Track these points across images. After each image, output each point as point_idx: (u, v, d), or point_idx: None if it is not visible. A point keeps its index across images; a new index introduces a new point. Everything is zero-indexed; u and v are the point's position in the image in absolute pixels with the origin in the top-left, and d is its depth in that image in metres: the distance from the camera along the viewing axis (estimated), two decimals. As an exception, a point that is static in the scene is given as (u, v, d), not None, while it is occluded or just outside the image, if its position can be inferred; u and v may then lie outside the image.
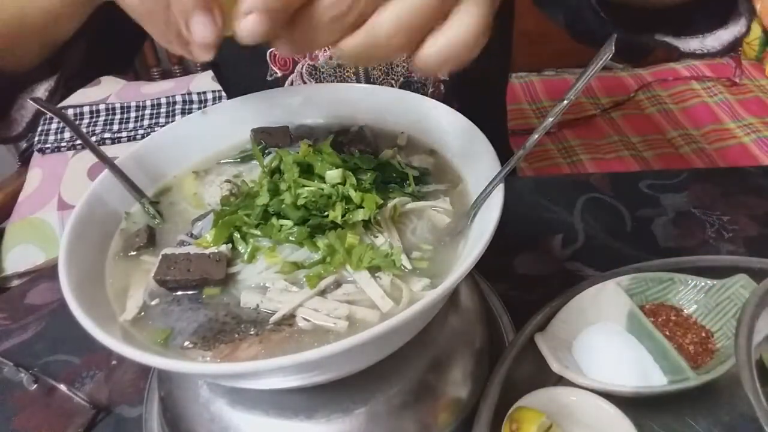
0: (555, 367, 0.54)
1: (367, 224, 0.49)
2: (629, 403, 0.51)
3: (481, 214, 0.48)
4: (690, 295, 0.62)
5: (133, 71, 1.82)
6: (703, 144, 1.48)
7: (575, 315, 0.60)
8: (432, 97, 0.80)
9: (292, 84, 0.78)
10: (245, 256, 0.48)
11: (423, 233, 0.50)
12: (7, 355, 0.68)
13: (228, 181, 0.56)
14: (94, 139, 1.47)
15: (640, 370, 0.55)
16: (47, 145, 1.48)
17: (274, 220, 0.49)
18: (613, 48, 0.39)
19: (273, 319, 0.44)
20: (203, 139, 0.61)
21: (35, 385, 0.64)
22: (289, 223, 0.48)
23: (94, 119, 1.54)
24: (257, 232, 0.49)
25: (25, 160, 1.53)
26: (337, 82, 0.77)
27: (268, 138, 0.60)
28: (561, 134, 1.56)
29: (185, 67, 1.84)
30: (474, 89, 0.85)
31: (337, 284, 0.46)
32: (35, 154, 1.50)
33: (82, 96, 1.63)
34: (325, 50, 0.76)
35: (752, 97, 1.59)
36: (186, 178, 0.59)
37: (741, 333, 0.42)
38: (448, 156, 0.58)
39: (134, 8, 0.39)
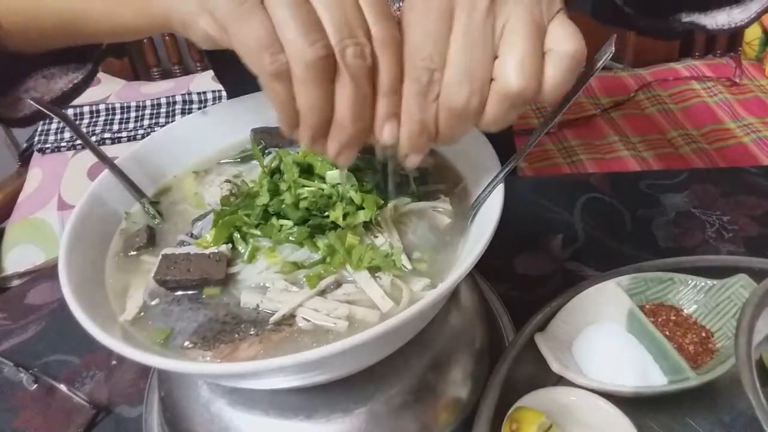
0: (555, 367, 0.54)
1: (367, 224, 0.49)
2: (629, 403, 0.51)
3: (481, 214, 0.48)
4: (690, 295, 0.62)
5: (132, 71, 1.82)
6: (703, 144, 1.48)
7: (575, 315, 0.60)
8: None
9: None
10: (245, 256, 0.48)
11: (423, 233, 0.50)
12: (7, 355, 0.68)
13: (228, 181, 0.56)
14: (94, 139, 1.47)
15: (640, 370, 0.55)
16: (47, 145, 1.48)
17: (274, 220, 0.49)
18: (613, 48, 0.39)
19: (273, 319, 0.44)
20: (203, 139, 0.61)
21: (35, 385, 0.64)
22: (289, 223, 0.48)
23: (94, 119, 1.54)
24: (257, 232, 0.49)
25: (25, 160, 1.54)
26: None
27: (268, 138, 0.60)
28: (561, 134, 1.56)
29: (185, 67, 1.84)
30: None
31: (337, 284, 0.46)
32: (35, 154, 1.50)
33: (82, 96, 1.62)
34: None
35: (752, 97, 1.59)
36: (186, 178, 0.59)
37: (741, 333, 0.42)
38: (448, 156, 0.58)
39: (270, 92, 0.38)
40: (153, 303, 0.47)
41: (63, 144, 1.48)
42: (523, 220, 0.78)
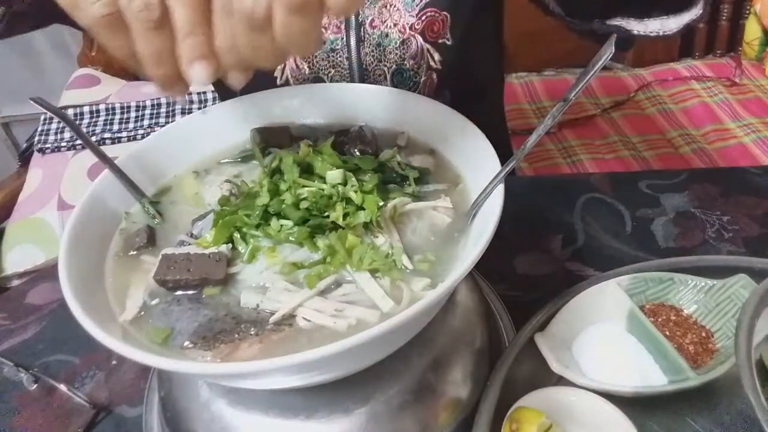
0: (555, 367, 0.54)
1: (367, 224, 0.49)
2: (629, 403, 0.51)
3: (481, 214, 0.48)
4: (690, 295, 0.62)
5: (133, 71, 1.81)
6: (703, 144, 1.48)
7: (575, 315, 0.60)
8: (424, 87, 0.80)
9: (285, 67, 0.78)
10: (245, 256, 0.48)
11: (423, 233, 0.50)
12: (7, 355, 0.68)
13: (228, 181, 0.56)
14: (94, 139, 1.47)
15: (640, 370, 0.55)
16: (47, 145, 1.48)
17: (274, 220, 0.49)
18: (614, 48, 0.39)
19: (273, 319, 0.44)
20: (203, 139, 0.61)
21: (35, 385, 0.64)
22: (289, 223, 0.48)
23: (94, 119, 1.54)
24: (257, 232, 0.49)
25: (25, 160, 1.53)
26: (330, 66, 0.77)
27: (268, 138, 0.60)
28: (561, 134, 1.56)
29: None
30: (466, 80, 0.86)
31: (337, 284, 0.46)
32: (35, 154, 1.50)
33: (82, 96, 1.63)
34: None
35: (752, 97, 1.59)
36: (186, 177, 0.59)
37: (741, 333, 0.42)
38: (448, 156, 0.58)
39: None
40: (153, 303, 0.47)
41: (63, 144, 1.48)
42: (523, 220, 0.78)
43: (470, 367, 0.55)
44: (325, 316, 0.43)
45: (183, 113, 1.55)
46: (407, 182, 0.54)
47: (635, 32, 0.56)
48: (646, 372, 0.55)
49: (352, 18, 0.76)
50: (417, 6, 0.76)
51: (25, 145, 1.59)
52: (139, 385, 0.63)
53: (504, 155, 0.47)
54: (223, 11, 0.36)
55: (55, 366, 0.67)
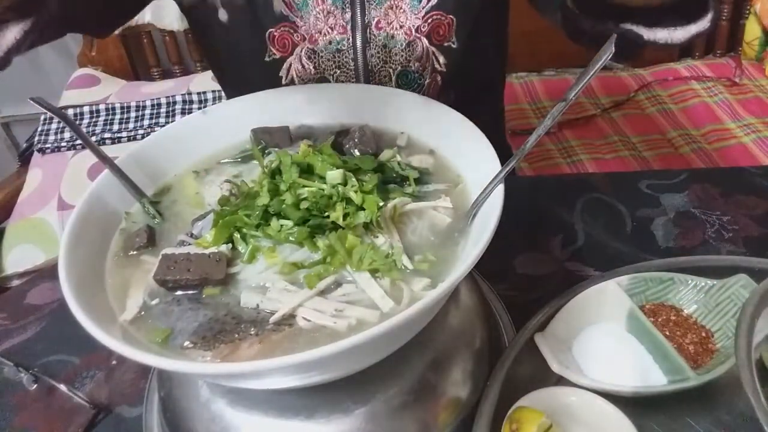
0: (555, 367, 0.54)
1: (367, 225, 0.49)
2: (629, 403, 0.51)
3: (481, 214, 0.48)
4: (690, 295, 0.61)
5: (132, 71, 1.81)
6: (703, 144, 1.48)
7: (575, 315, 0.60)
8: (428, 89, 0.81)
9: (290, 66, 0.78)
10: (245, 257, 0.48)
11: (423, 233, 0.50)
12: (7, 355, 0.68)
13: (228, 181, 0.56)
14: (94, 139, 1.47)
15: (640, 370, 0.55)
16: (47, 145, 1.48)
17: (274, 220, 0.49)
18: (614, 48, 0.39)
19: (273, 319, 0.44)
20: (203, 139, 0.61)
21: (35, 385, 0.64)
22: (289, 223, 0.48)
23: (94, 119, 1.54)
24: (257, 232, 0.49)
25: (25, 160, 1.53)
26: (336, 67, 0.77)
27: (268, 138, 0.60)
28: (561, 134, 1.56)
29: (185, 67, 1.84)
30: (470, 82, 0.86)
31: (337, 284, 0.46)
32: (35, 154, 1.49)
33: (82, 96, 1.63)
34: (325, 34, 0.76)
35: (752, 97, 1.58)
36: (186, 177, 0.59)
37: (741, 333, 0.42)
38: (448, 156, 0.58)
39: None
40: (153, 303, 0.47)
41: (63, 144, 1.48)
42: (523, 220, 0.78)
43: (470, 367, 0.55)
44: (325, 316, 0.43)
45: (183, 113, 1.55)
46: (407, 182, 0.54)
47: (645, 37, 0.56)
48: (646, 372, 0.55)
49: (358, 19, 0.76)
50: (423, 9, 0.76)
51: (25, 145, 1.59)
52: (139, 385, 0.63)
53: (504, 155, 0.47)
54: None
55: (55, 366, 0.67)
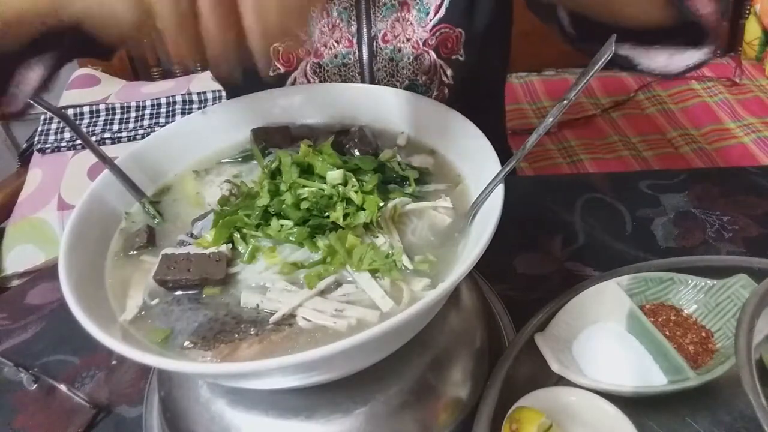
0: (555, 367, 0.54)
1: (367, 225, 0.49)
2: (629, 403, 0.51)
3: (481, 214, 0.48)
4: (690, 295, 0.61)
5: (132, 71, 1.81)
6: (703, 144, 1.48)
7: (575, 315, 0.60)
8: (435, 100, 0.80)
9: (295, 81, 0.78)
10: (245, 257, 0.48)
11: (423, 233, 0.50)
12: (7, 355, 0.68)
13: (228, 181, 0.56)
14: (94, 139, 1.47)
15: (640, 370, 0.55)
16: (47, 145, 1.48)
17: (274, 220, 0.49)
18: (613, 48, 0.39)
19: (273, 319, 0.44)
20: (203, 139, 0.61)
21: (35, 385, 0.64)
22: (289, 223, 0.48)
23: (94, 119, 1.54)
24: (257, 233, 0.49)
25: (25, 160, 1.53)
26: (342, 81, 0.77)
27: (268, 138, 0.60)
28: (561, 134, 1.56)
29: (185, 67, 1.84)
30: (476, 92, 0.86)
31: (337, 284, 0.46)
32: (35, 154, 1.49)
33: (82, 96, 1.63)
34: (330, 48, 0.76)
35: (752, 97, 1.58)
36: (186, 177, 0.59)
37: (741, 333, 0.42)
38: (448, 156, 0.58)
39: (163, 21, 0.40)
40: (153, 303, 0.47)
41: (63, 144, 1.48)
42: (523, 220, 0.78)
43: (470, 367, 0.55)
44: (325, 316, 0.43)
45: (183, 113, 1.55)
46: (407, 182, 0.54)
47: (639, 67, 0.56)
48: (646, 372, 0.55)
49: (364, 32, 0.75)
50: (430, 21, 0.75)
51: (25, 145, 1.59)
52: (139, 385, 0.63)
53: (503, 155, 0.47)
54: None
55: (55, 366, 0.67)
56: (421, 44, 0.76)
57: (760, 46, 1.71)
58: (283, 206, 0.49)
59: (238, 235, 0.49)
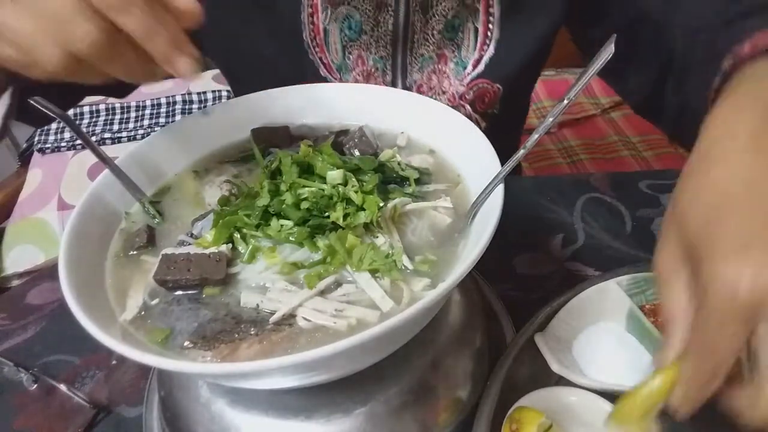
0: (555, 367, 0.54)
1: (367, 225, 0.49)
2: (629, 403, 0.51)
3: (481, 214, 0.48)
4: (690, 295, 0.61)
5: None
6: (703, 144, 1.48)
7: (575, 315, 0.60)
8: None
9: None
10: (245, 257, 0.48)
11: (423, 233, 0.50)
12: (7, 355, 0.68)
13: (228, 181, 0.56)
14: (94, 139, 1.47)
15: (640, 370, 0.55)
16: (47, 145, 1.48)
17: (274, 220, 0.49)
18: (613, 48, 0.39)
19: (273, 319, 0.44)
20: (204, 139, 0.61)
21: (35, 385, 0.64)
22: (289, 223, 0.48)
23: (94, 119, 1.54)
24: (257, 233, 0.49)
25: (25, 160, 1.53)
26: None
27: (268, 138, 0.60)
28: (561, 134, 1.56)
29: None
30: (505, 131, 0.85)
31: (337, 284, 0.46)
32: (35, 154, 1.49)
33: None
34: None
35: (752, 97, 1.59)
36: (186, 177, 0.59)
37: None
38: (448, 156, 0.58)
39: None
40: (153, 303, 0.47)
41: (63, 144, 1.48)
42: (523, 220, 0.78)
43: (470, 367, 0.55)
44: (325, 316, 0.43)
45: (183, 113, 1.55)
46: (407, 182, 0.54)
47: None
48: (646, 372, 0.55)
49: (399, 82, 0.74)
50: (468, 75, 0.73)
51: (25, 145, 1.59)
52: (139, 385, 0.63)
53: (506, 155, 0.47)
54: None
55: (55, 366, 0.67)
56: (457, 97, 0.75)
57: (760, 46, 1.71)
58: (283, 206, 0.49)
59: (238, 235, 0.49)
